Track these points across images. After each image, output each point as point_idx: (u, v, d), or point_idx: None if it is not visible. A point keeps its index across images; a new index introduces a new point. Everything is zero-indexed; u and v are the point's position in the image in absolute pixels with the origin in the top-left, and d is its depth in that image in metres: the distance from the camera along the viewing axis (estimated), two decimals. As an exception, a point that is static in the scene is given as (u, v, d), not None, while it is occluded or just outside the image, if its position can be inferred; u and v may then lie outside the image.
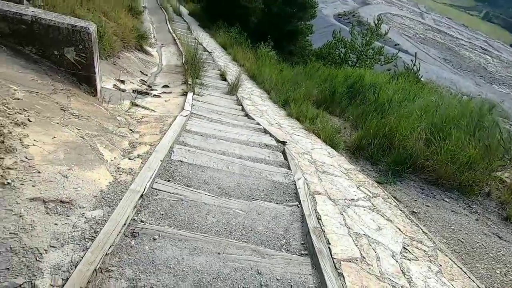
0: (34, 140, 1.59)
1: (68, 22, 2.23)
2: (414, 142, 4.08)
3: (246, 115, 4.82)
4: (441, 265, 1.85)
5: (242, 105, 5.36)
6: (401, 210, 2.54)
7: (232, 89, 6.28)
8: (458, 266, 1.93)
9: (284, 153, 2.78)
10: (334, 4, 41.85)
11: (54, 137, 1.72)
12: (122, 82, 5.22)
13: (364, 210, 2.27)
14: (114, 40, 6.19)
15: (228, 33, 12.14)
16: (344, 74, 7.74)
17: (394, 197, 3.43)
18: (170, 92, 5.37)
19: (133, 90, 4.95)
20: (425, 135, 4.22)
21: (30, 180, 1.36)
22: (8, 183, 1.29)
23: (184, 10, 17.91)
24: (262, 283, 1.34)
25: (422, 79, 12.19)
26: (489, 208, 3.37)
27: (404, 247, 1.92)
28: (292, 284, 1.38)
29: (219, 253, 1.42)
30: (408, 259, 1.79)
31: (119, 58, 6.08)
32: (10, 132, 1.51)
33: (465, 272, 1.87)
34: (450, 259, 1.97)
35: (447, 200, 3.50)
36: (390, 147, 4.35)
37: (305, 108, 5.73)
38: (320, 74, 8.62)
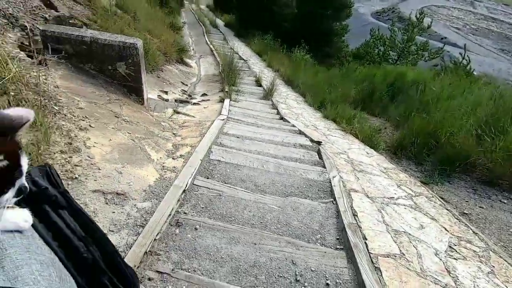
0: (95, 142, 1.84)
1: (119, 39, 2.53)
2: (463, 139, 3.79)
3: (282, 118, 4.88)
4: (493, 266, 1.71)
5: (277, 109, 5.45)
6: (447, 210, 2.39)
7: (267, 94, 6.40)
8: (515, 269, 1.76)
9: (319, 152, 2.79)
10: (370, 2, 40.34)
11: (110, 140, 1.96)
12: (165, 92, 5.63)
13: (405, 208, 2.19)
14: (158, 55, 6.72)
15: (262, 40, 12.39)
16: (383, 72, 7.45)
17: (441, 197, 3.21)
18: (209, 100, 5.66)
19: (175, 100, 5.32)
20: (475, 131, 3.90)
21: (92, 175, 1.58)
22: (76, 178, 1.51)
23: (220, 22, 18.71)
24: (297, 273, 1.38)
25: (475, 73, 11.16)
26: (556, 210, 2.99)
27: (450, 246, 1.82)
28: (327, 275, 1.40)
29: (255, 244, 1.50)
30: (455, 258, 1.69)
31: (162, 71, 6.58)
32: (76, 136, 1.77)
33: (523, 275, 1.71)
34: (505, 260, 1.81)
35: (505, 201, 3.18)
36: (436, 146, 4.09)
37: (342, 109, 5.63)
38: (358, 75, 8.39)
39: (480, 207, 3.06)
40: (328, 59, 12.29)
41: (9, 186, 0.31)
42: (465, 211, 2.91)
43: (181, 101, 5.25)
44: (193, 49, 11.64)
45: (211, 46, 11.28)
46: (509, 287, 1.56)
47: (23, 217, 0.31)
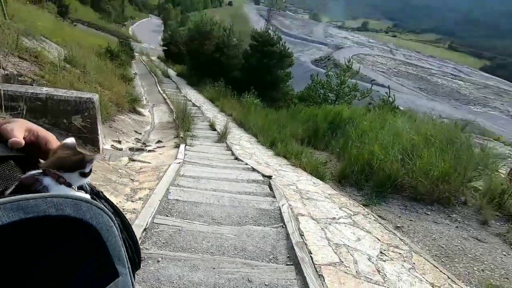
0: (52, 192, 1.91)
1: (75, 95, 2.70)
2: (390, 164, 4.46)
3: (236, 158, 5.20)
4: (414, 263, 2.08)
5: (231, 150, 5.77)
6: (380, 223, 2.81)
7: (221, 137, 6.76)
8: (431, 263, 2.16)
9: (270, 185, 3.10)
10: (310, 51, 45.63)
11: (68, 189, 2.04)
12: (119, 142, 5.65)
13: (345, 226, 2.54)
14: (109, 106, 6.80)
15: (214, 87, 13.16)
16: (324, 112, 8.40)
17: (379, 215, 3.68)
18: (164, 146, 5.80)
19: (129, 148, 5.36)
20: (400, 157, 4.62)
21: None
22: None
23: (172, 72, 19.41)
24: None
25: (401, 108, 13.07)
26: (467, 215, 3.63)
27: (381, 252, 2.16)
28: (279, 287, 1.61)
29: (214, 268, 1.66)
30: (383, 260, 2.03)
31: (114, 121, 6.61)
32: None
33: (436, 267, 2.10)
34: (424, 258, 2.21)
35: (429, 213, 3.76)
36: (371, 172, 4.71)
37: (291, 146, 6.18)
38: (303, 115, 9.31)
39: (410, 220, 3.57)
40: (276, 102, 13.40)
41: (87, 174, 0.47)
42: (398, 225, 3.38)
43: (136, 149, 5.31)
44: (146, 99, 11.84)
45: (164, 95, 11.62)
46: (425, 277, 1.92)
47: (85, 195, 0.45)
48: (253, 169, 3.89)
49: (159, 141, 6.35)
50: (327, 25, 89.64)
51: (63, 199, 0.37)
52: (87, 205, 0.40)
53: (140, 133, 7.06)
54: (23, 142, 0.46)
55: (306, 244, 2.05)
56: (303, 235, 2.18)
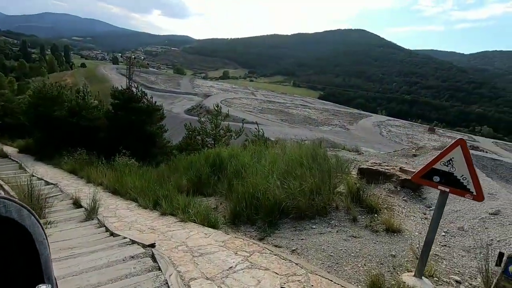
0: None
1: None
2: (272, 191, 4.71)
3: (111, 234, 4.32)
4: (312, 285, 2.09)
5: (105, 226, 4.80)
6: (275, 255, 2.78)
7: (90, 213, 5.58)
8: (326, 278, 2.23)
9: (153, 256, 2.62)
10: (181, 102, 46.68)
11: None
12: None
13: (243, 272, 2.36)
14: None
15: (75, 157, 11.20)
16: (204, 156, 8.36)
17: (275, 245, 3.72)
18: None
19: None
20: (278, 182, 4.97)
21: None
22: None
23: (11, 150, 15.48)
24: None
25: (271, 138, 14.67)
26: (341, 218, 4.15)
27: (281, 286, 2.08)
28: None
29: None
30: (285, 295, 1.94)
31: None
32: None
33: (331, 280, 2.18)
34: (319, 276, 2.26)
35: (314, 226, 4.08)
36: (258, 204, 4.84)
37: (176, 201, 5.72)
38: (184, 164, 8.99)
39: (301, 239, 3.76)
40: (155, 158, 12.59)
41: None
42: (293, 248, 3.49)
43: None
44: (-32, 191, 8.75)
45: (0, 182, 8.91)
46: (324, 297, 1.93)
47: None
48: (132, 242, 3.27)
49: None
50: (192, 77, 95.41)
51: (10, 202, 0.42)
52: (27, 213, 0.44)
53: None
54: None
55: (202, 315, 1.73)
56: (199, 305, 1.85)
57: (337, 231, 3.80)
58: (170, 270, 2.25)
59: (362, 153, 10.42)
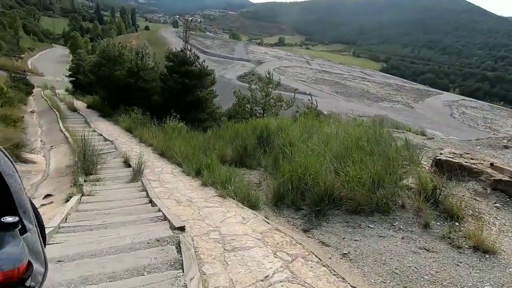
0: None
1: None
2: (324, 176, 4.04)
3: (150, 201, 4.19)
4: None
5: (146, 191, 4.73)
6: (325, 266, 2.21)
7: (135, 175, 5.61)
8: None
9: (178, 245, 2.26)
10: (234, 68, 46.42)
11: None
12: None
13: (282, 287, 1.86)
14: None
15: (131, 116, 11.71)
16: (251, 126, 7.87)
17: (322, 241, 3.15)
18: (52, 202, 4.42)
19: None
20: (332, 166, 4.25)
21: None
22: None
23: (80, 105, 17.02)
24: None
25: (324, 112, 13.56)
26: (408, 220, 3.36)
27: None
28: None
29: None
30: None
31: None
32: None
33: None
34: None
35: (371, 226, 3.38)
36: (306, 188, 4.24)
37: (218, 172, 5.42)
38: (230, 133, 8.67)
39: (355, 240, 3.12)
40: (203, 123, 12.58)
41: None
42: (344, 251, 2.88)
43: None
44: (41, 141, 9.75)
45: (66, 133, 9.73)
46: None
47: None
48: (164, 218, 2.99)
49: (48, 195, 4.89)
50: (247, 43, 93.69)
51: None
52: None
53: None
54: None
55: None
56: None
57: (402, 238, 3.06)
58: (193, 271, 1.86)
59: (432, 137, 8.90)
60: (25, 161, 6.74)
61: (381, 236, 3.14)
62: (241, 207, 3.81)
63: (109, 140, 9.12)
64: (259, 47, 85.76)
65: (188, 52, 13.32)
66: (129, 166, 6.66)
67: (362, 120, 8.93)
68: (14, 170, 0.44)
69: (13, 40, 63.72)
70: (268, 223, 3.09)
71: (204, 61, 14.04)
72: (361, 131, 5.31)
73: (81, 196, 4.27)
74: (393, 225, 3.32)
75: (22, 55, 59.70)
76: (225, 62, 50.56)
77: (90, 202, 4.15)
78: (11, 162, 0.44)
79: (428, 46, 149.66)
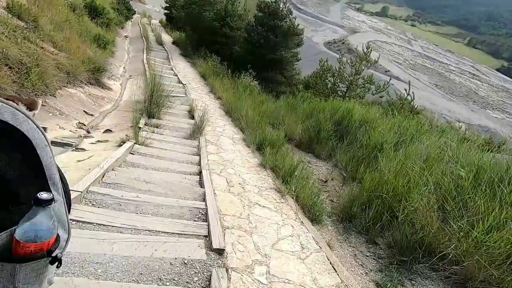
0: None
1: None
2: (424, 215, 2.90)
3: (199, 172, 3.64)
4: None
5: (199, 156, 4.20)
6: None
7: (195, 132, 5.14)
8: None
9: (209, 280, 1.57)
10: (324, 32, 42.63)
11: None
12: (44, 129, 4.06)
13: None
14: (52, 74, 5.13)
15: (209, 62, 11.33)
16: (331, 107, 6.66)
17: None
18: (107, 141, 4.21)
19: (51, 141, 3.79)
20: (436, 203, 3.04)
21: None
22: None
23: (167, 39, 17.35)
24: None
25: (416, 107, 11.24)
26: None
27: None
28: None
29: None
30: None
31: (55, 97, 4.97)
32: None
33: None
34: None
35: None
36: (391, 219, 3.17)
37: (282, 155, 4.60)
38: (305, 107, 7.60)
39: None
40: (278, 86, 11.60)
41: None
42: None
43: (59, 144, 3.73)
44: (124, 68, 10.06)
45: (147, 66, 9.82)
46: None
47: None
48: (205, 218, 2.34)
49: (108, 130, 4.75)
50: (345, 6, 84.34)
51: (1, 104, 0.39)
52: (23, 116, 0.42)
53: (92, 115, 5.44)
54: None
55: None
56: None
57: None
58: None
59: None
60: (102, 86, 6.85)
61: None
62: (301, 221, 2.98)
63: (182, 83, 8.90)
64: (357, 13, 76.77)
65: (281, 4, 11.91)
66: (193, 117, 6.26)
67: (460, 127, 6.94)
68: (46, 144, 0.44)
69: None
70: (335, 269, 2.20)
71: (295, 17, 12.52)
72: (489, 161, 3.76)
73: (133, 144, 3.93)
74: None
75: (132, -20, 63.88)
76: (316, 24, 46.63)
77: (141, 154, 3.78)
78: (44, 135, 0.44)
79: None
